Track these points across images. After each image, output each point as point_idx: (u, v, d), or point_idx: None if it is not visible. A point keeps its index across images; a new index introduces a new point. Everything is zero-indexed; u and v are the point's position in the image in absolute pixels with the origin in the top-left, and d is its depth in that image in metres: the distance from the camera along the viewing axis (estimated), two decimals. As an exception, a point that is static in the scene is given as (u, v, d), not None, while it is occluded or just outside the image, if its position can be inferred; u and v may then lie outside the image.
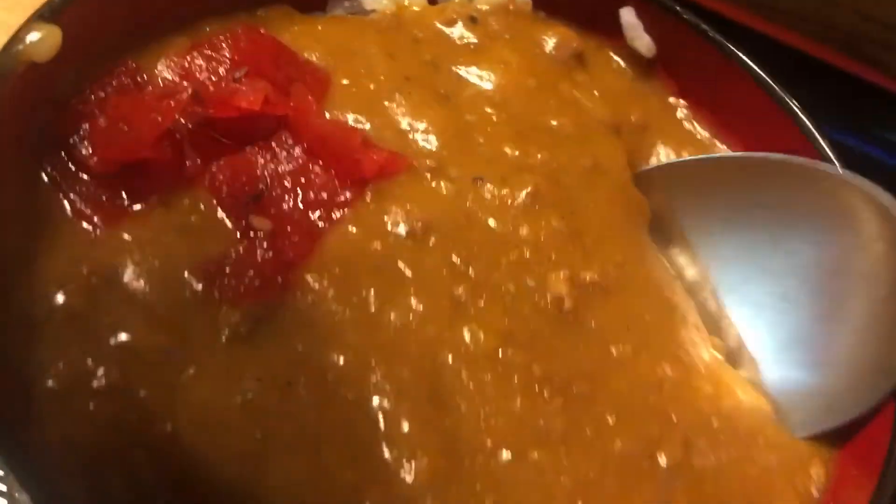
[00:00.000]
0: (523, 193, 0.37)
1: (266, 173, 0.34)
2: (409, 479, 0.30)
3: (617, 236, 0.39)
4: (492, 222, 0.36)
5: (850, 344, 0.33)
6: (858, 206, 0.33)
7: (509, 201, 0.37)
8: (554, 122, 0.41)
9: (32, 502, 0.25)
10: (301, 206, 0.34)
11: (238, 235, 0.33)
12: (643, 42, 0.44)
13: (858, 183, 0.34)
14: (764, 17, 0.65)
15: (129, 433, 0.29)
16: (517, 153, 0.39)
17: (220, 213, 0.34)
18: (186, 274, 0.32)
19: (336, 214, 0.34)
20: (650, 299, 0.38)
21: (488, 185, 0.37)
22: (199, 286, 0.32)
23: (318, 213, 0.34)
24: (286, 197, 0.34)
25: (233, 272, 0.32)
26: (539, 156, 0.39)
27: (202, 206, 0.34)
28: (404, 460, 0.30)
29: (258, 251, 0.33)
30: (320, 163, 0.35)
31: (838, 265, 0.34)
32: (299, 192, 0.35)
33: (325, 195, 0.35)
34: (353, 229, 0.34)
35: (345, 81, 0.39)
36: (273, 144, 0.36)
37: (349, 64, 0.39)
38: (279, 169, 0.35)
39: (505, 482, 0.31)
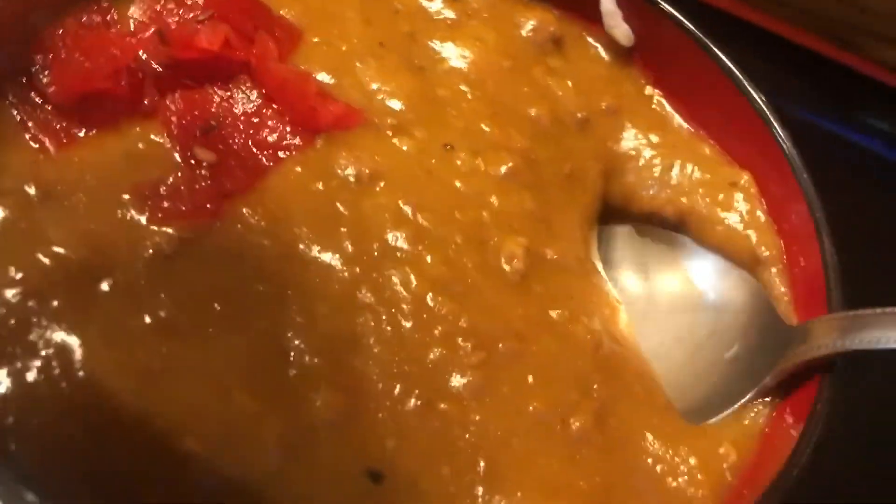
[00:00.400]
0: (502, 169, 0.37)
1: (220, 111, 0.35)
2: (310, 412, 0.29)
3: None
4: (457, 183, 0.36)
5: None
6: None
7: (483, 170, 0.37)
8: (532, 112, 0.40)
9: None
10: (249, 144, 0.34)
11: (181, 163, 0.34)
12: (621, 30, 0.43)
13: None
14: (759, 7, 0.65)
15: (35, 336, 0.29)
16: (496, 132, 0.38)
17: (168, 143, 0.34)
18: (121, 195, 0.33)
19: (282, 154, 0.34)
20: (599, 290, 0.38)
21: (461, 153, 0.37)
22: (131, 207, 0.32)
23: (265, 152, 0.35)
24: (235, 135, 0.35)
25: (166, 195, 0.33)
26: (519, 143, 0.39)
27: (152, 136, 0.35)
28: (309, 393, 0.30)
29: (197, 180, 0.33)
30: (275, 107, 0.36)
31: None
32: (250, 131, 0.35)
33: (275, 136, 0.35)
34: (297, 169, 0.34)
35: (316, 40, 0.39)
36: (231, 85, 0.36)
37: (324, 25, 0.40)
38: (234, 109, 0.35)
39: (408, 429, 0.30)
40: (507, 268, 0.34)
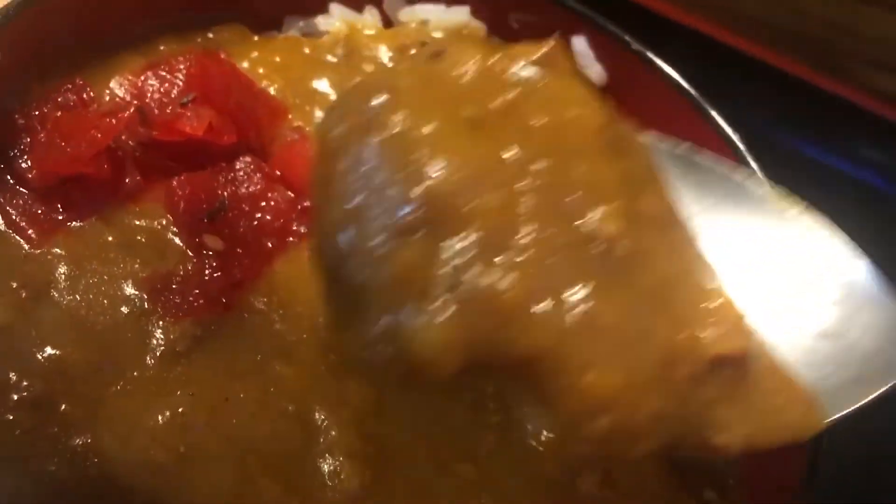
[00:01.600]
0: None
1: (225, 194, 0.35)
2: (334, 488, 0.30)
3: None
4: None
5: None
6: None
7: None
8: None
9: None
10: (255, 229, 0.34)
11: (189, 253, 0.33)
12: (594, 70, 0.44)
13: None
14: (729, 26, 0.67)
15: (47, 443, 0.29)
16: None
17: (165, 231, 0.34)
18: (124, 290, 0.32)
19: (290, 239, 0.35)
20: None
21: None
22: (138, 302, 0.32)
23: (272, 238, 0.35)
24: (241, 220, 0.34)
25: (178, 289, 0.32)
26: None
27: (144, 223, 0.34)
28: (332, 467, 0.30)
29: (206, 270, 0.33)
30: (279, 189, 0.36)
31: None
32: (256, 215, 0.35)
33: (281, 221, 0.35)
34: (306, 255, 0.33)
35: (297, 123, 0.39)
36: (236, 166, 0.36)
37: (306, 100, 0.40)
38: (238, 191, 0.35)
39: (427, 493, 0.30)
40: None
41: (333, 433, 0.31)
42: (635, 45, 0.43)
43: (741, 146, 0.41)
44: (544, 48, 0.32)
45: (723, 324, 0.27)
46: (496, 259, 0.25)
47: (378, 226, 0.26)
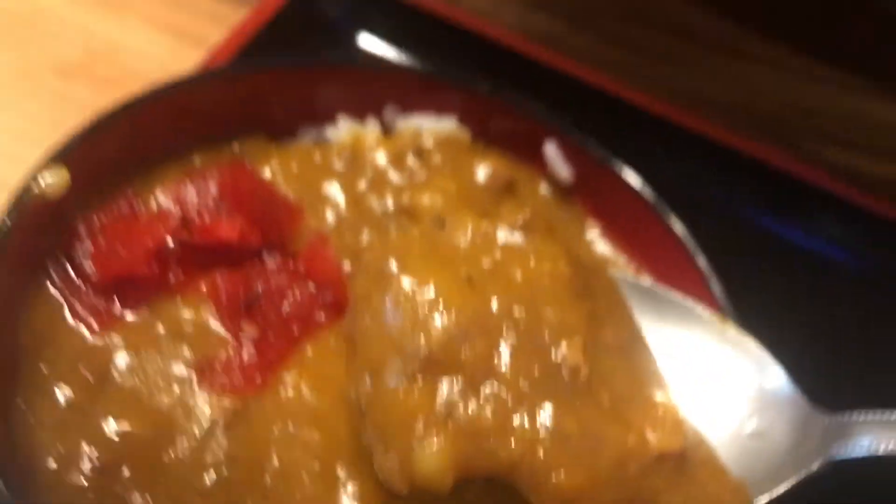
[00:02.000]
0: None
1: (259, 288, 0.41)
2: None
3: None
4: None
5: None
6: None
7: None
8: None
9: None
10: (284, 318, 0.41)
11: (229, 338, 0.40)
12: (563, 170, 0.52)
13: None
14: (707, 116, 0.73)
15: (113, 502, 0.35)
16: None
17: (207, 319, 0.41)
18: (175, 371, 0.39)
19: (315, 325, 0.41)
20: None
21: None
22: (187, 382, 0.38)
23: (298, 325, 0.41)
24: (272, 309, 0.41)
25: (221, 371, 0.39)
26: None
27: (188, 314, 0.41)
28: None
29: (244, 353, 0.40)
30: (303, 285, 0.43)
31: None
32: (284, 305, 0.42)
33: (305, 311, 0.42)
34: (331, 341, 0.41)
35: (312, 223, 0.46)
36: (266, 264, 0.43)
37: (318, 203, 0.47)
38: (269, 285, 0.42)
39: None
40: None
41: (353, 486, 0.37)
42: (596, 149, 0.51)
43: (688, 243, 0.48)
44: (524, 215, 0.44)
45: (666, 427, 0.35)
46: (482, 390, 0.32)
47: (390, 375, 0.35)
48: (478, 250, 0.37)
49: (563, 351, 0.34)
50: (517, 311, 0.35)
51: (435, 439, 0.33)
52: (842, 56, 0.91)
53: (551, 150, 0.52)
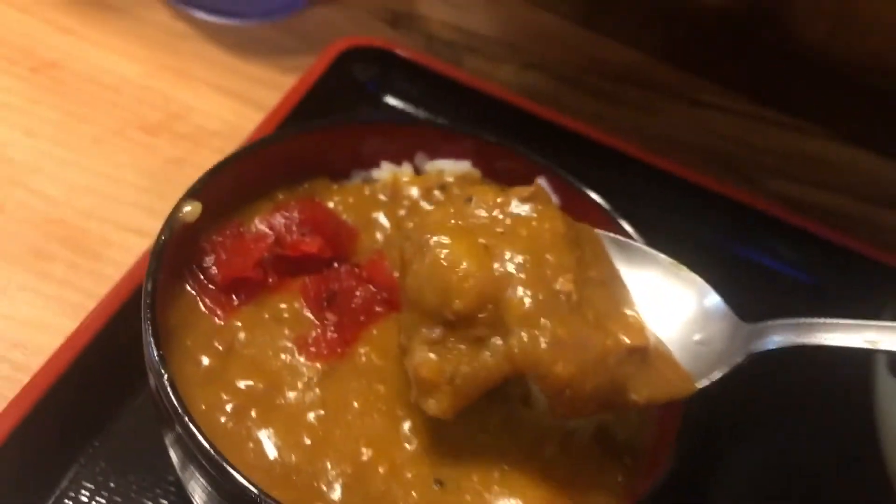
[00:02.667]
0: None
1: (335, 287, 0.57)
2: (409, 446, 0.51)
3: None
4: None
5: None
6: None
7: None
8: None
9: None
10: (353, 309, 0.56)
11: (316, 323, 0.56)
12: (553, 199, 0.67)
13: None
14: (656, 149, 0.87)
15: (243, 429, 0.51)
16: None
17: (300, 310, 0.56)
18: (280, 344, 0.54)
19: (376, 314, 0.57)
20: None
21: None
22: (289, 352, 0.54)
23: (364, 315, 0.56)
24: (345, 303, 0.56)
25: (312, 344, 0.55)
26: None
27: (283, 306, 0.57)
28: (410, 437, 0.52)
29: (328, 333, 0.55)
30: (366, 287, 0.58)
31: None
32: (353, 301, 0.57)
33: (369, 305, 0.57)
34: (388, 325, 0.56)
35: (366, 241, 0.62)
36: (339, 271, 0.58)
37: (369, 226, 0.63)
38: (342, 286, 0.57)
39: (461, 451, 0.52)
40: None
41: (409, 422, 0.53)
42: (578, 185, 0.67)
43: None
44: (531, 189, 0.55)
45: (635, 331, 0.50)
46: (493, 341, 0.48)
47: (415, 330, 0.49)
48: (493, 220, 0.51)
49: (559, 283, 0.48)
50: (524, 259, 0.48)
51: (432, 400, 0.49)
52: (785, 102, 1.07)
53: (542, 184, 0.68)
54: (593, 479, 0.54)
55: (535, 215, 0.53)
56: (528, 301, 0.47)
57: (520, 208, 0.53)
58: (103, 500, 0.59)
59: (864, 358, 0.66)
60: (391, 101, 0.90)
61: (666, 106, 1.06)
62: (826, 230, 0.87)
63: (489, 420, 0.54)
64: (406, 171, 0.67)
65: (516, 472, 0.53)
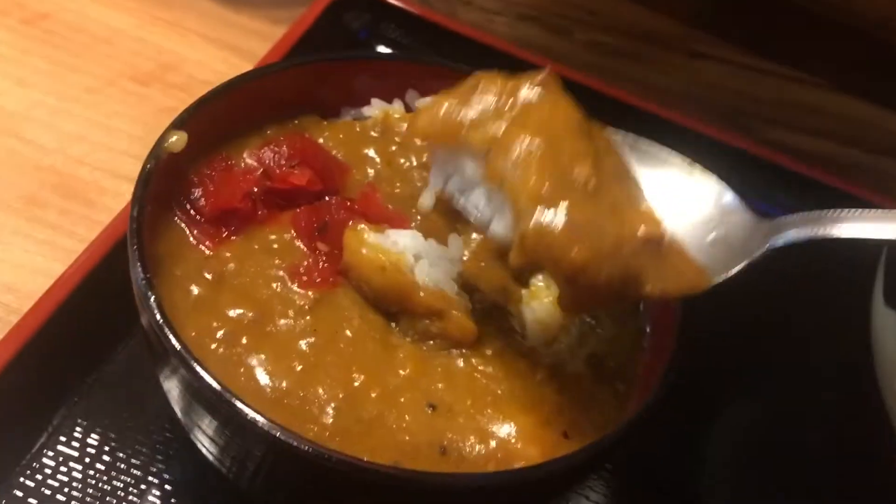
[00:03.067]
0: None
1: (327, 218, 0.56)
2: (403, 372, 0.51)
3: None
4: None
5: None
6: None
7: None
8: None
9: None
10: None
11: (308, 253, 0.55)
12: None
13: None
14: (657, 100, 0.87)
15: (233, 354, 0.50)
16: None
17: (290, 241, 0.56)
18: (271, 273, 0.54)
19: None
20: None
21: None
22: (282, 281, 0.53)
23: None
24: (337, 234, 0.56)
25: (304, 273, 0.54)
26: None
27: (273, 237, 0.56)
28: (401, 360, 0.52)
29: (321, 262, 0.55)
30: (357, 218, 0.57)
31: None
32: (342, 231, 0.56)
33: None
34: None
35: (357, 176, 0.62)
36: (330, 202, 0.58)
37: (360, 162, 0.63)
38: (334, 217, 0.56)
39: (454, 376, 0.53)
40: None
41: (402, 351, 0.52)
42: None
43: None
44: (542, 74, 0.53)
45: (650, 221, 0.48)
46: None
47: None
48: (508, 104, 0.50)
49: (577, 169, 0.47)
50: (539, 142, 0.47)
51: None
52: (784, 54, 1.06)
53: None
54: (585, 404, 0.53)
55: (547, 101, 0.51)
56: (543, 183, 0.46)
57: (531, 93, 0.51)
58: (97, 437, 0.59)
59: (863, 291, 0.66)
60: (383, 50, 0.89)
61: (663, 57, 1.05)
62: (827, 177, 0.86)
63: (483, 349, 0.53)
64: (397, 108, 0.67)
65: (508, 397, 0.52)
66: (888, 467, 0.66)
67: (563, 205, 0.46)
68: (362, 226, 0.56)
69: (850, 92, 1.03)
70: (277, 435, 0.44)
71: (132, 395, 0.61)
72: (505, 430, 0.51)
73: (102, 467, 0.58)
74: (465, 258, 0.58)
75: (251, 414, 0.44)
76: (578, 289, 0.47)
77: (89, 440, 0.59)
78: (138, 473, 0.58)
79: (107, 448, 0.59)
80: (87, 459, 0.58)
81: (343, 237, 0.55)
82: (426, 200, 0.59)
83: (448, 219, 0.64)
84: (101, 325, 0.63)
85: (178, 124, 0.56)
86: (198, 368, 0.45)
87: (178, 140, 0.55)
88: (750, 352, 0.74)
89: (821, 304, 0.76)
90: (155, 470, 0.59)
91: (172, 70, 0.87)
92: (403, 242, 0.55)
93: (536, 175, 0.46)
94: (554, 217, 0.45)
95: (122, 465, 0.59)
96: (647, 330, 0.58)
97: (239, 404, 0.44)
